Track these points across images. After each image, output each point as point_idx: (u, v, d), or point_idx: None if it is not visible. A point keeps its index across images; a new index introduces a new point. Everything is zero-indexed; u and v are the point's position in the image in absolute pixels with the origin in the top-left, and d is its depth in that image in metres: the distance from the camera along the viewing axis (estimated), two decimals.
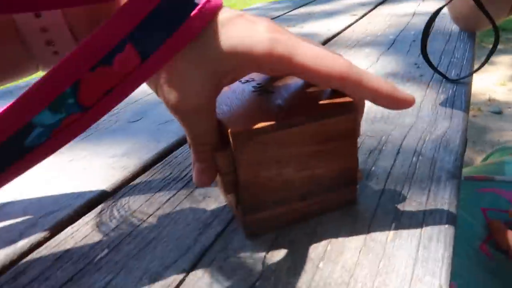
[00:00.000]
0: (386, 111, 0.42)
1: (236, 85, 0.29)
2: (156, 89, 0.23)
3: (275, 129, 0.23)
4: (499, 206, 0.46)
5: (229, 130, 0.22)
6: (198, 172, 0.25)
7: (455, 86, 0.47)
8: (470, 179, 0.53)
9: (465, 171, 0.58)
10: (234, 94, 0.27)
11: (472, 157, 1.69)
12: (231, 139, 0.23)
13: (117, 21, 0.19)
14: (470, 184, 0.52)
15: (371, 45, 0.69)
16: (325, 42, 0.75)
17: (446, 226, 0.25)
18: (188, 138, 0.25)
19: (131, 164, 0.37)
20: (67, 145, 0.21)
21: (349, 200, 0.28)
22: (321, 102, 0.25)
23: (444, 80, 0.49)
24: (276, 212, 0.26)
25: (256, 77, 0.30)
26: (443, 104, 0.43)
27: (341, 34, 0.80)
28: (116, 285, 0.23)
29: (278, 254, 0.24)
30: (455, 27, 0.75)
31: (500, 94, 2.23)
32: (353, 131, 0.25)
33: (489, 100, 2.16)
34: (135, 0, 0.19)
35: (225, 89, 0.28)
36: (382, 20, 0.88)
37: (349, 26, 0.87)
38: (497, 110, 2.07)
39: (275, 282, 0.22)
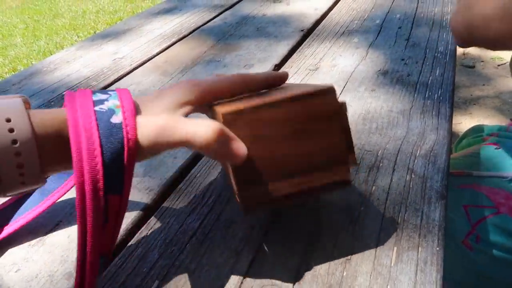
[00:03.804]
0: (380, 123, 0.46)
1: None
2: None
3: (260, 107, 0.27)
4: (478, 203, 0.52)
5: (220, 112, 0.27)
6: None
7: (440, 90, 0.51)
8: (450, 175, 0.59)
9: None
10: None
11: None
12: (221, 119, 0.27)
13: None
14: (451, 180, 0.58)
15: (359, 32, 0.72)
16: (314, 26, 0.77)
17: (438, 248, 0.31)
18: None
19: (154, 185, 0.41)
20: None
21: (342, 181, 0.29)
22: (303, 88, 0.29)
23: (430, 81, 0.54)
24: (269, 188, 0.28)
25: None
26: (430, 111, 0.47)
27: (328, 16, 0.82)
28: None
29: (303, 281, 0.30)
30: (437, 10, 0.78)
31: (474, 48, 2.29)
32: (336, 113, 0.28)
33: (464, 54, 2.23)
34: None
35: None
36: None
37: (335, 4, 0.89)
38: (470, 64, 2.14)
39: None
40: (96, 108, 0.26)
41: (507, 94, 1.86)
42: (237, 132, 0.27)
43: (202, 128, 0.26)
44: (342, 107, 0.29)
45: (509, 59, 2.11)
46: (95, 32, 3.23)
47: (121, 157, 0.25)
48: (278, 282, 0.30)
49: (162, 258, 0.33)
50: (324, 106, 0.28)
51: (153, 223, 0.36)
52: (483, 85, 1.96)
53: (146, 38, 0.82)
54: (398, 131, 0.44)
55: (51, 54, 2.86)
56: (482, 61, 2.16)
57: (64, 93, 0.63)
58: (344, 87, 0.54)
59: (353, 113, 0.48)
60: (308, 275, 0.30)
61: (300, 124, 0.28)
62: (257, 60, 0.66)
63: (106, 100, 0.27)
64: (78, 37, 3.18)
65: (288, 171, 0.28)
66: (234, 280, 0.30)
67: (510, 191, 0.51)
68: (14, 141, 0.24)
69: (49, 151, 0.26)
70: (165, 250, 0.34)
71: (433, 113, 0.47)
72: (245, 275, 0.31)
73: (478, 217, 0.52)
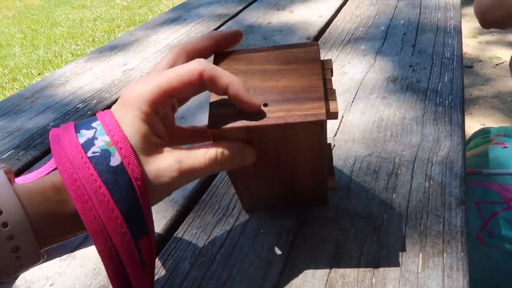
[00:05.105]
0: (394, 130, 0.47)
1: None
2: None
3: (246, 52, 0.31)
4: (489, 199, 0.54)
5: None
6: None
7: (450, 96, 0.53)
8: None
9: None
10: None
11: None
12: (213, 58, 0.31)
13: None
14: None
15: (365, 39, 0.73)
16: (320, 34, 0.79)
17: (462, 254, 0.32)
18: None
19: (178, 197, 0.42)
20: None
21: (317, 114, 0.27)
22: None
23: (439, 87, 0.55)
24: (240, 111, 0.28)
25: None
26: (442, 117, 0.49)
27: (333, 23, 0.83)
28: None
29: None
30: (440, 15, 0.80)
31: (471, 47, 2.32)
32: (317, 60, 0.30)
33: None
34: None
35: None
36: (368, 3, 0.91)
37: (338, 11, 0.90)
38: (468, 64, 2.17)
39: None
40: (89, 154, 0.24)
41: (506, 93, 1.88)
42: (221, 66, 0.30)
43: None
44: (326, 61, 0.31)
45: (506, 59, 2.13)
46: (93, 40, 3.24)
47: (136, 199, 0.24)
48: None
49: (194, 269, 0.34)
50: (303, 53, 0.30)
51: (180, 235, 0.37)
52: (482, 85, 1.98)
53: (154, 49, 0.83)
54: (413, 138, 0.46)
55: (51, 63, 2.87)
56: (480, 61, 2.18)
57: (78, 106, 0.64)
58: (355, 94, 0.56)
59: (367, 121, 0.50)
60: (338, 283, 0.31)
61: (277, 65, 0.30)
62: None
63: (95, 138, 0.25)
64: (76, 45, 3.19)
65: (264, 100, 0.28)
66: None
67: None
68: (5, 224, 0.22)
69: (43, 228, 0.24)
70: (196, 261, 0.35)
71: (446, 119, 0.48)
72: (277, 284, 0.32)
73: (490, 213, 0.53)
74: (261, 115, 0.27)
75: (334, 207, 0.38)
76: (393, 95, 0.55)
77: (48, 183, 0.25)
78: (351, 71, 0.62)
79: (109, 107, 0.63)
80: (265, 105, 0.28)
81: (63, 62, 2.87)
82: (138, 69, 0.75)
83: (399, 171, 0.41)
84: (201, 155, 0.27)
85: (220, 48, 0.31)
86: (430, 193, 0.38)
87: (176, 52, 0.29)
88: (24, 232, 0.23)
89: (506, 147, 0.61)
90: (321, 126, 0.27)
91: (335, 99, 0.29)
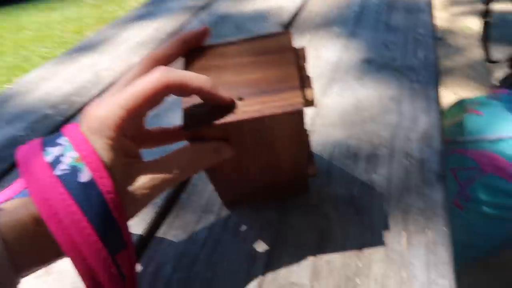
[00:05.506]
0: (372, 110, 0.47)
1: None
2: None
3: (218, 46, 0.31)
4: (465, 165, 0.55)
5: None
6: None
7: (425, 72, 0.52)
8: None
9: None
10: None
11: None
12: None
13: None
14: None
15: (339, 21, 0.72)
16: (293, 18, 0.78)
17: (444, 228, 0.32)
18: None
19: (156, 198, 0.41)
20: None
21: (294, 104, 0.26)
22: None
23: (414, 64, 0.55)
24: (214, 109, 0.27)
25: None
26: (418, 94, 0.48)
27: (306, 7, 0.82)
28: None
29: (320, 276, 0.30)
30: None
31: (443, 20, 2.34)
32: (289, 49, 0.29)
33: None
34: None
35: None
36: None
37: None
38: (440, 36, 2.18)
39: None
40: (57, 172, 0.23)
41: (479, 63, 1.91)
42: (190, 65, 0.30)
43: None
44: (300, 48, 0.31)
45: (477, 29, 2.16)
46: (62, 41, 3.15)
47: (109, 213, 0.23)
48: (296, 280, 0.30)
49: (177, 271, 0.33)
50: (275, 42, 0.30)
51: (160, 237, 0.36)
52: (454, 55, 2.00)
53: (124, 47, 0.81)
54: (391, 117, 0.45)
55: (19, 69, 2.78)
56: (452, 32, 2.20)
57: (47, 112, 0.61)
58: (331, 78, 0.55)
59: (345, 104, 0.49)
60: (324, 270, 0.31)
61: (250, 57, 0.29)
62: None
63: (62, 155, 0.24)
64: (45, 48, 3.09)
65: (234, 95, 0.27)
66: (252, 285, 0.31)
67: (494, 152, 0.54)
68: None
69: (22, 259, 0.23)
70: (178, 263, 0.34)
71: (422, 96, 0.48)
72: (262, 278, 0.31)
73: (466, 178, 0.54)
74: (236, 110, 0.27)
75: (316, 193, 0.37)
76: (368, 75, 0.54)
77: (25, 213, 0.23)
78: (326, 55, 0.61)
79: (80, 110, 0.61)
80: (240, 99, 0.27)
81: (33, 66, 2.79)
82: (109, 69, 0.72)
83: (378, 152, 0.41)
84: (175, 164, 0.26)
85: (190, 48, 0.30)
86: (410, 171, 0.38)
87: (145, 63, 0.28)
88: (4, 272, 0.21)
89: (481, 114, 0.62)
90: (298, 116, 0.27)
91: (311, 87, 0.28)
